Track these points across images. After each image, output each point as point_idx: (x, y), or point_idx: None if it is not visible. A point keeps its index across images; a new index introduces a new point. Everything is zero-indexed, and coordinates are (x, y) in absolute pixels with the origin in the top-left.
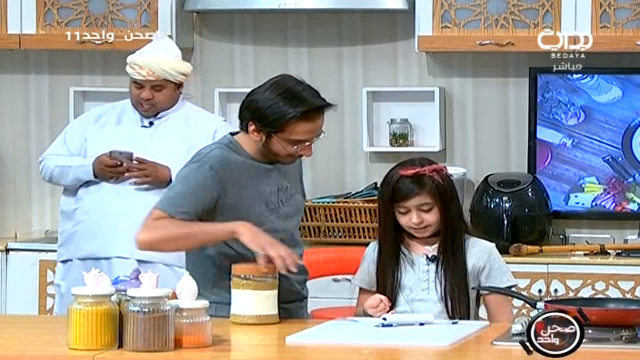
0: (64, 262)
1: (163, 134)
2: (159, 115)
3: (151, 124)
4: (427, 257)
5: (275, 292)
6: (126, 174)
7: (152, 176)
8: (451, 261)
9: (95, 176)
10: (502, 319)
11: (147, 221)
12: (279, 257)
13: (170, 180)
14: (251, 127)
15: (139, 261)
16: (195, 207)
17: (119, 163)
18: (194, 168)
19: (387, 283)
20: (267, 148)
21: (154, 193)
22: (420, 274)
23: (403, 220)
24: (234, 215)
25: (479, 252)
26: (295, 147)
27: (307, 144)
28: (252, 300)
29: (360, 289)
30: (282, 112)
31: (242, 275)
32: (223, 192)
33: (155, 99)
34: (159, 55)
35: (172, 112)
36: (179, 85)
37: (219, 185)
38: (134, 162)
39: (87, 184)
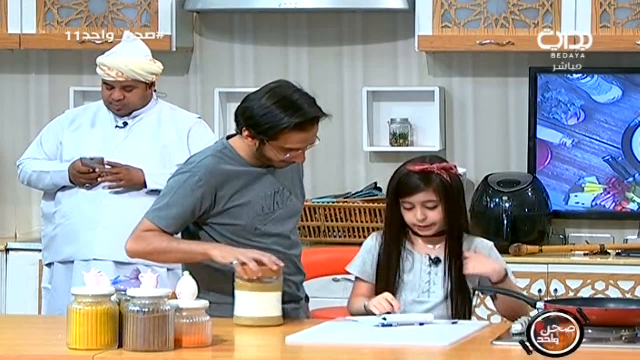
0: (48, 265)
1: (137, 134)
2: (133, 115)
3: (125, 124)
4: (430, 258)
5: (279, 294)
6: (100, 179)
7: (126, 179)
8: (457, 262)
9: (72, 182)
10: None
11: (136, 231)
12: (251, 261)
13: (145, 183)
14: (245, 133)
15: (117, 263)
16: (183, 219)
17: (91, 170)
18: (184, 179)
19: (389, 281)
20: (260, 154)
21: (129, 196)
22: (422, 275)
23: (408, 217)
24: (228, 220)
25: (480, 252)
26: (288, 155)
27: (300, 152)
28: (256, 302)
29: (358, 279)
30: (275, 121)
31: (247, 277)
32: (213, 201)
33: (126, 99)
34: (127, 56)
35: (146, 112)
36: (151, 84)
37: (208, 195)
38: (107, 166)
39: (65, 188)
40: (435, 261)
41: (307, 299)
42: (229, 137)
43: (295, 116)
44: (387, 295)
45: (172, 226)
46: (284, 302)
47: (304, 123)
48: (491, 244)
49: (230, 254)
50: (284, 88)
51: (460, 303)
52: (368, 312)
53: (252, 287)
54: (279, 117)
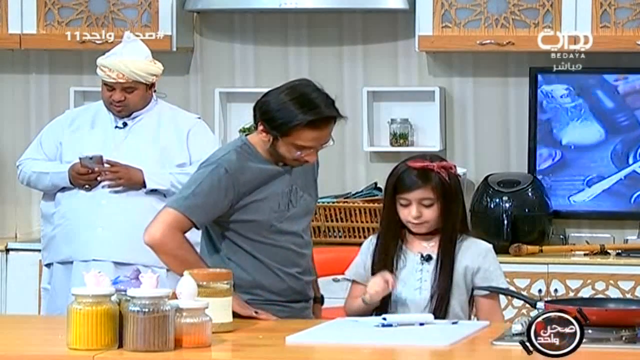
0: (47, 265)
1: (136, 135)
2: (132, 116)
3: (125, 124)
4: (422, 255)
5: (229, 299)
6: (99, 178)
7: (125, 178)
8: (447, 262)
9: (72, 183)
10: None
11: (164, 222)
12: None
13: (144, 182)
14: (260, 128)
15: (116, 263)
16: (209, 209)
17: (90, 171)
18: (209, 170)
19: None
20: (273, 149)
21: (128, 196)
22: (414, 273)
23: (403, 213)
24: (245, 216)
25: (474, 253)
26: (300, 152)
27: (312, 150)
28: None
29: (353, 282)
30: (289, 117)
31: (197, 283)
32: (236, 195)
33: (127, 100)
34: (127, 57)
35: (146, 112)
36: (151, 85)
37: (233, 188)
38: (106, 165)
39: (64, 188)
40: (427, 258)
41: (322, 299)
42: (246, 134)
43: (309, 113)
44: (384, 273)
45: (196, 215)
46: (296, 301)
47: (317, 121)
48: (489, 246)
49: (247, 306)
50: (304, 86)
51: (443, 302)
52: (368, 304)
53: (201, 293)
54: (294, 113)
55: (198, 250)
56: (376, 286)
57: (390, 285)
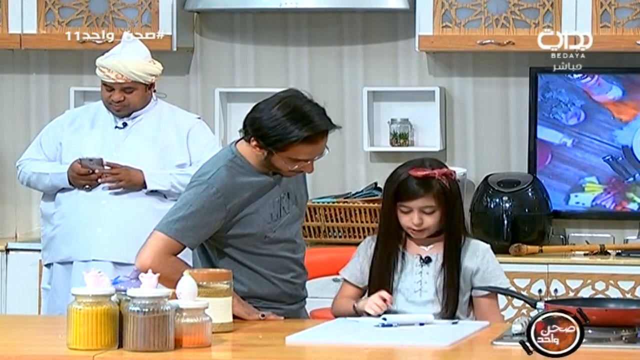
0: (47, 265)
1: (136, 135)
2: (132, 116)
3: (125, 124)
4: (421, 258)
5: (229, 299)
6: (99, 180)
7: (125, 180)
8: (453, 265)
9: (71, 183)
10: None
11: (153, 247)
12: (274, 316)
13: (144, 183)
14: (253, 143)
15: (115, 263)
16: (202, 232)
17: (90, 171)
18: (200, 190)
19: (382, 282)
20: (268, 162)
21: (128, 196)
22: (413, 276)
23: (403, 220)
24: (239, 231)
25: (473, 254)
26: (297, 165)
27: (308, 162)
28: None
29: (345, 281)
30: (285, 134)
31: (197, 283)
32: (228, 213)
33: (126, 100)
34: (126, 58)
35: (146, 112)
36: (150, 85)
37: (225, 207)
38: (106, 167)
39: (64, 188)
40: (426, 260)
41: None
42: (236, 141)
43: (304, 129)
44: (381, 292)
45: (187, 238)
46: (293, 303)
47: (314, 136)
48: (487, 246)
49: (253, 311)
50: (295, 98)
51: (451, 304)
52: (358, 313)
53: (201, 293)
54: (289, 130)
55: (191, 258)
56: (375, 307)
57: (389, 302)
